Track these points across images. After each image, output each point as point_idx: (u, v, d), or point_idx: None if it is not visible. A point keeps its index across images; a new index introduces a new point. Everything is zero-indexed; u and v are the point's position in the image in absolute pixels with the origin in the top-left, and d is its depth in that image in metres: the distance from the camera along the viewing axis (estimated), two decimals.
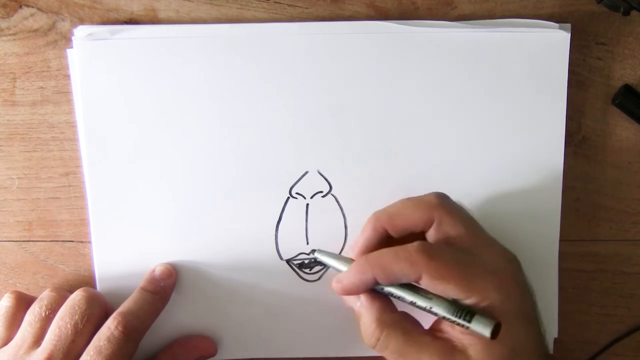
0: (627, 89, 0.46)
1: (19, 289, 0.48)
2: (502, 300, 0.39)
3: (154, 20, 0.46)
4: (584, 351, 0.50)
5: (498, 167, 0.47)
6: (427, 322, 0.42)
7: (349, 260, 0.43)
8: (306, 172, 0.47)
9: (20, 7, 0.46)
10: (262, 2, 0.46)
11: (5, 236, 0.48)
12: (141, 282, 0.46)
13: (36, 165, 0.48)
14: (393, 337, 0.40)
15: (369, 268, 0.40)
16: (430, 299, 0.39)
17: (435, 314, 0.39)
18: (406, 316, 0.42)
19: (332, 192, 0.47)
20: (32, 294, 0.47)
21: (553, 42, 0.45)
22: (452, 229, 0.41)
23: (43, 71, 0.47)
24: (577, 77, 0.47)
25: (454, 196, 0.43)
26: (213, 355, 0.48)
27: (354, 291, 0.42)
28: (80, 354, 0.42)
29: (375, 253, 0.41)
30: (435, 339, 0.40)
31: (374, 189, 0.47)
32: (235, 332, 0.48)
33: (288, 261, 0.48)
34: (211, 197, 0.47)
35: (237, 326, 0.48)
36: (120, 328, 0.42)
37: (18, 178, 0.48)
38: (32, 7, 0.46)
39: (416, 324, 0.41)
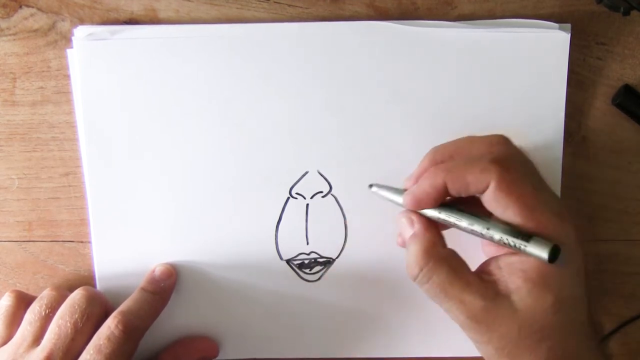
0: (627, 89, 0.46)
1: (19, 289, 0.47)
2: (559, 241, 0.37)
3: (154, 20, 0.46)
4: None
5: None
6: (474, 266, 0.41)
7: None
8: (306, 172, 0.47)
9: (20, 7, 0.46)
10: (262, 2, 0.46)
11: (5, 236, 0.48)
12: (141, 282, 0.46)
13: (36, 165, 0.48)
14: (438, 271, 0.39)
15: (440, 172, 0.39)
16: (487, 221, 0.38)
17: (491, 237, 0.38)
18: (455, 254, 0.41)
19: (332, 192, 0.47)
20: (32, 294, 0.47)
21: (553, 42, 0.45)
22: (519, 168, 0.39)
23: (43, 71, 0.47)
24: (577, 77, 0.47)
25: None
26: (215, 356, 0.48)
27: (424, 199, 0.40)
28: (80, 353, 0.42)
29: (448, 162, 0.40)
30: (480, 280, 0.39)
31: None
32: (234, 332, 0.48)
33: (288, 261, 0.48)
34: (211, 197, 0.47)
35: (237, 326, 0.48)
36: (120, 327, 0.42)
37: (18, 178, 0.48)
38: (32, 7, 0.46)
39: (463, 263, 0.40)
